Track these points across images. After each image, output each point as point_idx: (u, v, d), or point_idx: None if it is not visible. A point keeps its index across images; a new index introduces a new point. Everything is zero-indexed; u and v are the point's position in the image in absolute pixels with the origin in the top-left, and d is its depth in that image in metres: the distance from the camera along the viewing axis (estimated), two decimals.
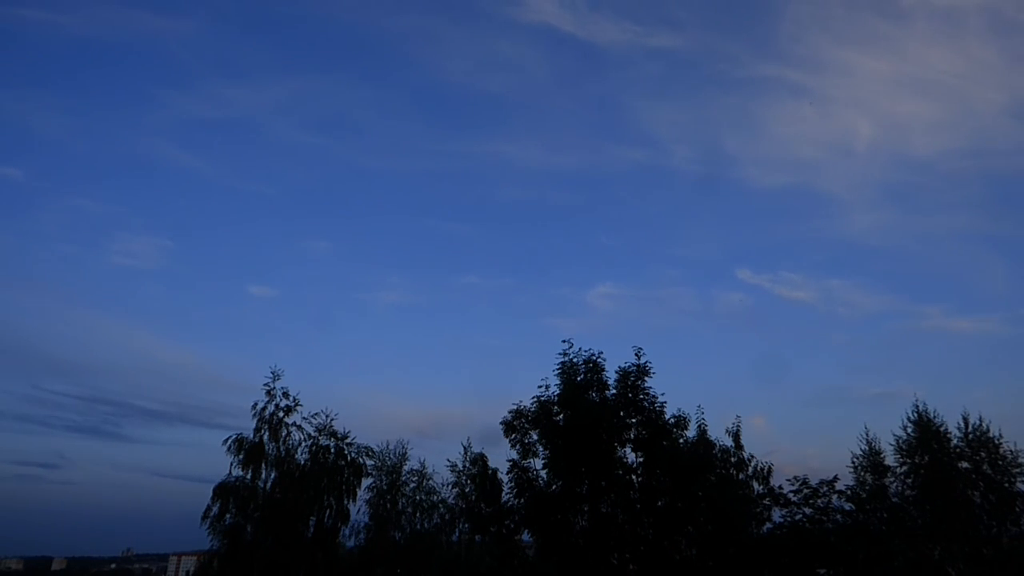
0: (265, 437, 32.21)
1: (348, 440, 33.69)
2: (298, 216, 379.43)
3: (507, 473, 26.37)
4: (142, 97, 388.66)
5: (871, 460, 29.36)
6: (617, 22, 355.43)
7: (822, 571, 26.62)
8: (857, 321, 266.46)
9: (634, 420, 26.32)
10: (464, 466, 31.97)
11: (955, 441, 28.10)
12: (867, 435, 29.93)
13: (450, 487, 34.36)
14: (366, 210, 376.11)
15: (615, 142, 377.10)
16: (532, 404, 26.70)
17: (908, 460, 28.58)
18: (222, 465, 31.70)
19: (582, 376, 26.70)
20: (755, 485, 29.41)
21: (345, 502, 33.11)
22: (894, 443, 29.09)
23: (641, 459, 26.08)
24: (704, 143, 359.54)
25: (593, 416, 25.46)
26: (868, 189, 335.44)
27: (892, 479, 28.73)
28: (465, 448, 32.37)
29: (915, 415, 29.17)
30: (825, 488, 27.46)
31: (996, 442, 27.44)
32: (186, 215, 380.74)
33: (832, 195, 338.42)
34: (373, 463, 34.95)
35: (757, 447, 30.42)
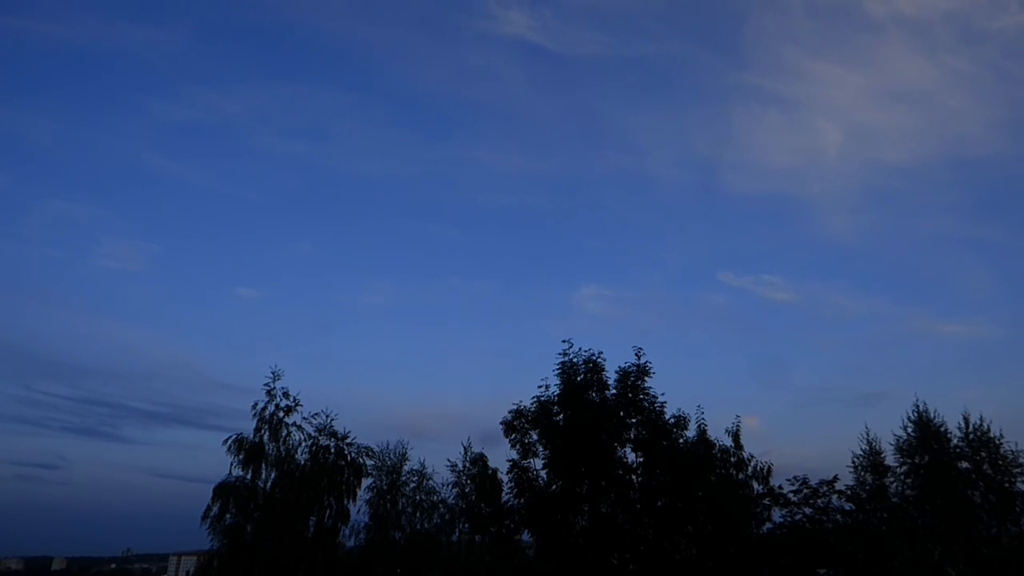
0: (265, 437, 32.19)
1: (348, 440, 33.68)
2: (282, 219, 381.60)
3: (507, 473, 26.43)
4: (124, 104, 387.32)
5: (871, 460, 29.34)
6: (590, 34, 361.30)
7: (822, 571, 26.64)
8: (841, 323, 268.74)
9: (634, 420, 26.34)
10: (464, 466, 31.91)
11: (955, 441, 28.11)
12: (867, 435, 29.96)
13: (450, 487, 34.34)
14: (348, 214, 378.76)
15: (595, 149, 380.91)
16: (532, 404, 26.72)
17: (908, 460, 28.58)
18: (220, 465, 31.68)
19: (582, 376, 26.71)
20: (755, 485, 29.40)
21: (345, 502, 33.08)
22: (894, 443, 29.11)
23: (641, 459, 26.10)
24: (682, 150, 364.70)
25: (593, 416, 25.47)
26: (847, 195, 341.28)
27: (892, 479, 28.72)
28: (465, 448, 32.33)
29: (915, 415, 29.17)
30: (825, 488, 27.49)
31: (996, 442, 27.45)
32: (171, 219, 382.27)
33: (811, 201, 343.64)
34: (373, 463, 34.92)
35: (752, 447, 30.40)
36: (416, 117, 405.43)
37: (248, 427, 32.36)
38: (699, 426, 28.41)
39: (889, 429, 29.66)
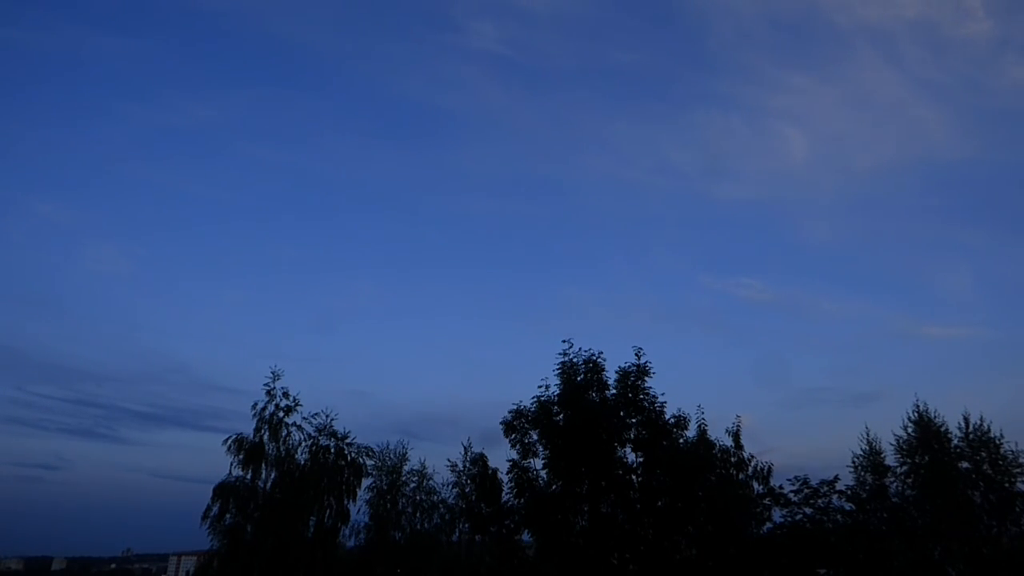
0: (265, 437, 32.17)
1: (348, 440, 33.66)
2: (266, 222, 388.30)
3: (507, 473, 26.41)
4: (104, 109, 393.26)
5: (871, 460, 29.32)
6: (562, 46, 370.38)
7: (822, 571, 26.61)
8: (824, 325, 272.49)
9: (634, 420, 26.32)
10: (464, 466, 31.86)
11: (955, 441, 28.08)
12: (867, 435, 29.94)
13: (450, 487, 34.27)
14: (333, 217, 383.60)
15: (575, 155, 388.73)
16: (532, 404, 26.69)
17: (908, 460, 28.55)
18: (218, 466, 31.70)
19: (582, 376, 26.68)
20: (755, 485, 29.33)
21: (345, 502, 33.06)
22: (894, 443, 29.09)
23: (641, 459, 26.08)
24: (661, 157, 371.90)
25: (593, 416, 25.44)
26: (824, 200, 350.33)
27: (892, 479, 28.69)
28: (465, 448, 32.28)
29: (915, 415, 29.15)
30: (825, 488, 27.46)
31: (996, 442, 27.43)
32: (155, 222, 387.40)
33: (789, 206, 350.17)
34: (373, 463, 34.91)
35: (748, 447, 30.44)
36: (393, 124, 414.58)
37: (243, 429, 32.44)
38: (699, 426, 28.34)
39: (882, 429, 29.79)
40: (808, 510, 27.23)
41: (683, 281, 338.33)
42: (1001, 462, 27.05)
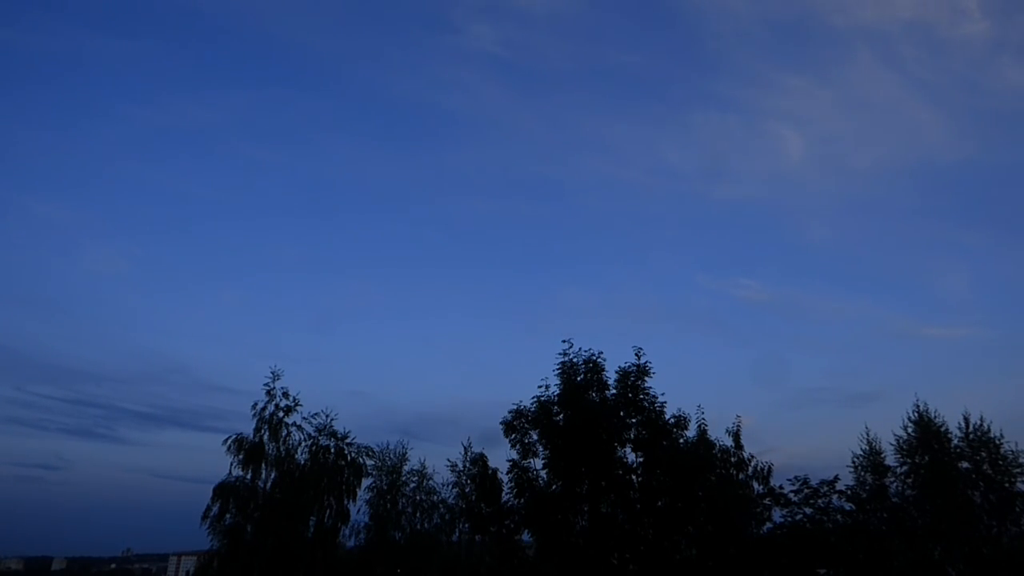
0: (265, 437, 32.20)
1: (348, 440, 33.72)
2: (265, 222, 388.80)
3: (507, 473, 26.38)
4: (103, 110, 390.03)
5: (871, 460, 29.33)
6: (562, 47, 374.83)
7: (822, 571, 26.61)
8: (822, 326, 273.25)
9: (634, 420, 26.32)
10: (464, 466, 31.89)
11: (955, 441, 28.10)
12: (867, 435, 29.96)
13: (450, 487, 34.33)
14: (332, 216, 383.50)
15: (573, 157, 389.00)
16: (532, 404, 26.68)
17: (908, 460, 28.57)
18: (218, 466, 31.71)
19: (582, 376, 26.68)
20: (755, 485, 29.33)
21: (345, 502, 33.11)
22: (894, 443, 29.10)
23: (641, 459, 26.07)
24: (657, 158, 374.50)
25: (593, 416, 25.44)
26: (821, 201, 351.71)
27: (892, 479, 28.70)
28: (465, 448, 32.30)
29: (915, 415, 29.17)
30: (825, 488, 27.46)
31: (996, 442, 27.45)
32: (154, 222, 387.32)
33: (787, 206, 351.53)
34: (373, 463, 34.98)
35: (748, 447, 30.44)
36: (393, 125, 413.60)
37: (243, 429, 32.51)
38: (699, 426, 28.33)
39: (882, 429, 29.81)
40: (808, 510, 27.23)
41: (682, 281, 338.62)
42: (1001, 462, 27.08)
